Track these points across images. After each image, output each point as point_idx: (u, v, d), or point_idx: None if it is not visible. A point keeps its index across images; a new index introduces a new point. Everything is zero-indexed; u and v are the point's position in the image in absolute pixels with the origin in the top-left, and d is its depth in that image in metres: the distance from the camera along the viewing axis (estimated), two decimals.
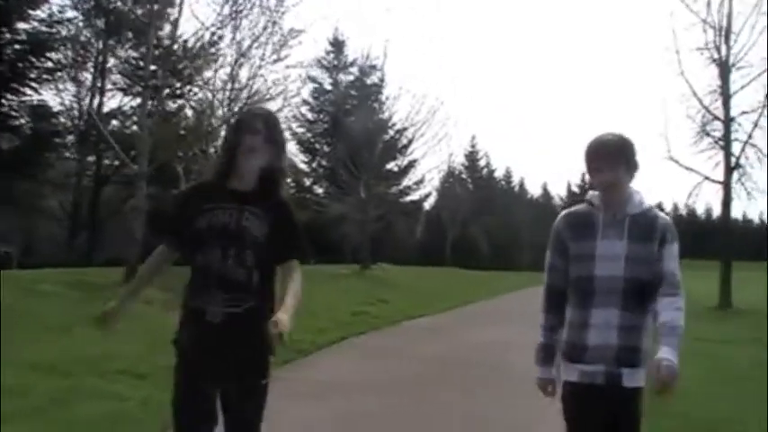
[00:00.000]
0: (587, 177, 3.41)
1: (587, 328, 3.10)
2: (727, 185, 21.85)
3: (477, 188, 63.27)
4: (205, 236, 3.18)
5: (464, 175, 63.50)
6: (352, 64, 44.21)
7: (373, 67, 39.14)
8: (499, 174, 74.19)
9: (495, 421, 6.77)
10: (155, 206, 21.14)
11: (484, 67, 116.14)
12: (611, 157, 3.11)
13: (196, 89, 26.53)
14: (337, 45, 46.35)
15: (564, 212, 3.32)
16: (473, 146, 65.67)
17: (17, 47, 25.72)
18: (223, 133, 22.83)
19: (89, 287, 15.37)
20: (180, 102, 29.15)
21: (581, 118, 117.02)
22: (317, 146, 45.32)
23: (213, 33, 21.92)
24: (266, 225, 3.23)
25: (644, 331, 3.11)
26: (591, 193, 3.28)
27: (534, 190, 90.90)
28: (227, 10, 21.70)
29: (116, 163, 30.29)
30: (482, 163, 68.94)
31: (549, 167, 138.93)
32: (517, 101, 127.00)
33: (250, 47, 22.79)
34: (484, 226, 57.82)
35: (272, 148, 3.25)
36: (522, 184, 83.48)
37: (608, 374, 3.07)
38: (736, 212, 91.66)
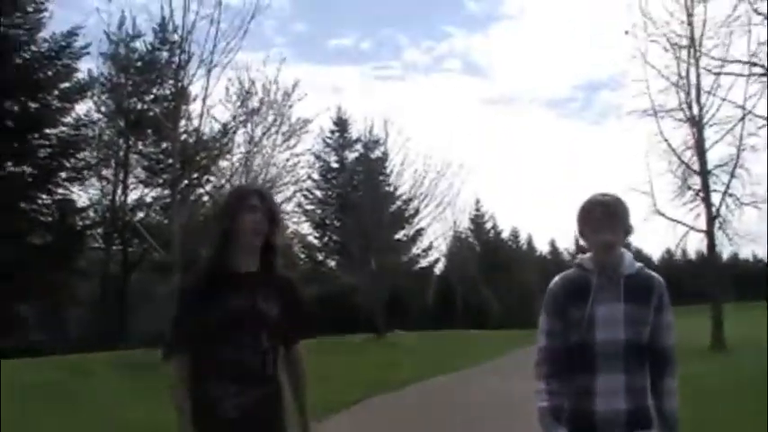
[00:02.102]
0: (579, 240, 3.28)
1: (593, 395, 3.03)
2: (710, 233, 23.62)
3: (484, 250, 64.67)
4: (219, 326, 3.03)
5: (471, 239, 64.99)
6: (356, 141, 46.09)
7: (376, 143, 40.79)
8: (506, 234, 75.72)
9: None
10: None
11: (482, 131, 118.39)
12: (611, 218, 3.06)
13: (213, 178, 28.53)
14: (341, 124, 48.48)
15: (558, 277, 3.21)
16: (477, 209, 67.20)
17: (48, 150, 28.05)
18: None
19: (133, 367, 17.11)
20: (199, 191, 31.10)
21: (575, 173, 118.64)
22: (327, 221, 47.05)
23: (225, 125, 24.26)
24: (279, 306, 3.14)
25: (647, 391, 3.10)
26: (581, 256, 3.21)
27: (542, 247, 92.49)
28: (239, 107, 24.04)
29: (141, 251, 32.23)
30: (488, 225, 70.42)
31: (554, 223, 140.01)
32: (516, 161, 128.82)
33: (261, 138, 25.02)
34: (494, 287, 59.12)
35: (270, 224, 3.15)
36: (530, 242, 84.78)
37: None
38: (746, 253, 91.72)
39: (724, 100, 23.27)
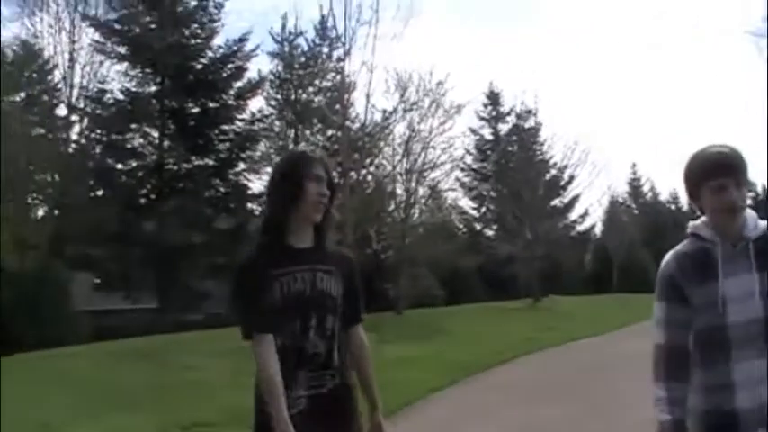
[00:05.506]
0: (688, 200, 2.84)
1: (733, 389, 2.55)
2: None
3: (642, 213, 64.39)
4: (280, 309, 2.78)
5: (628, 203, 64.87)
6: (509, 113, 47.35)
7: (529, 113, 41.96)
8: (664, 197, 74.59)
9: (618, 401, 10.33)
10: None
11: (637, 96, 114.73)
12: (739, 173, 2.62)
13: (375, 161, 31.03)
14: (493, 98, 49.84)
15: (670, 254, 2.76)
16: (634, 173, 66.97)
17: (227, 144, 31.47)
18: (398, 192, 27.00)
19: None
20: (363, 172, 33.68)
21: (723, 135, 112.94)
22: (484, 192, 48.66)
23: (385, 112, 26.66)
24: (340, 284, 2.91)
25: None
26: (692, 223, 2.78)
27: None
28: (396, 97, 26.32)
29: None
30: (646, 188, 69.81)
31: None
32: (673, 124, 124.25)
33: (419, 123, 27.26)
34: (652, 250, 58.82)
35: (331, 197, 2.93)
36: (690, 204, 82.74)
37: None
38: None
39: None
